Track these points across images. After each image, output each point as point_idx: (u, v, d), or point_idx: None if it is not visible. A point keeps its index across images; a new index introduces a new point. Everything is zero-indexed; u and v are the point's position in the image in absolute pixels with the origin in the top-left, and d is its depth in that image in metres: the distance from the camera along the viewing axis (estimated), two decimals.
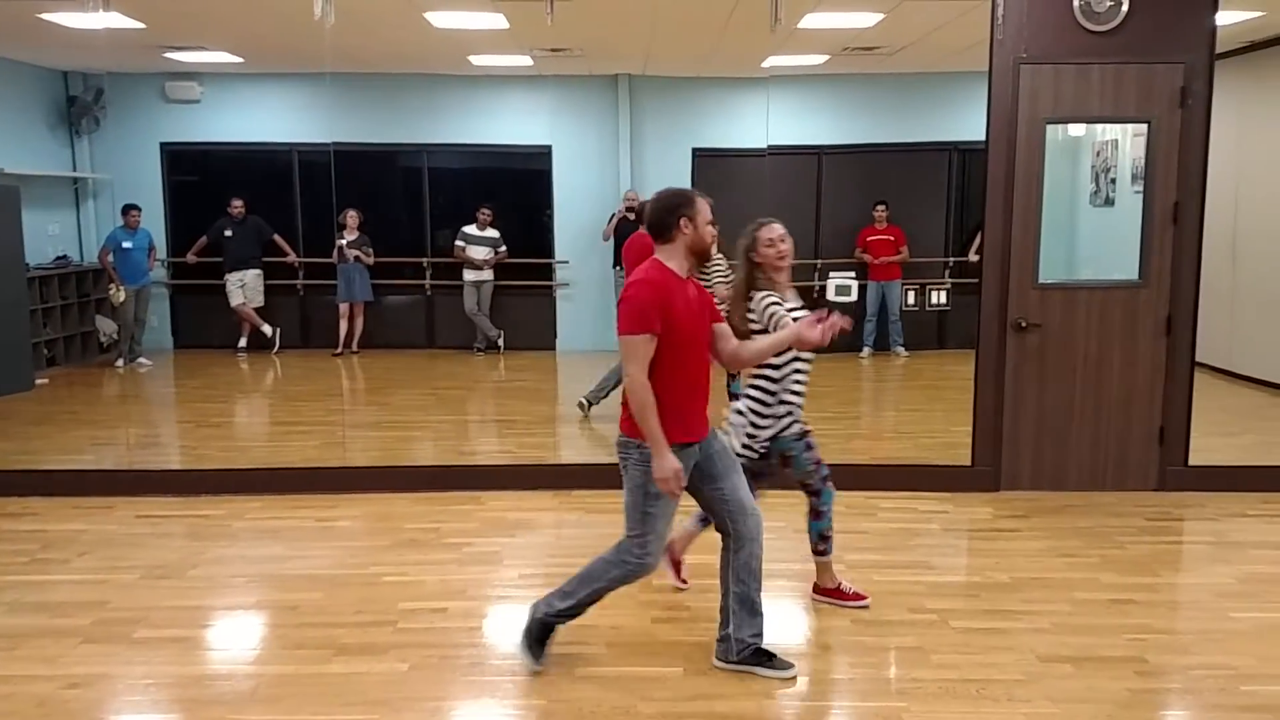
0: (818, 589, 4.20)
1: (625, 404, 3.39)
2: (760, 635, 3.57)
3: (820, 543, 4.14)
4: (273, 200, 10.49)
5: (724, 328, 3.59)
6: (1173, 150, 5.46)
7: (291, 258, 10.31)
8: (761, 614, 3.57)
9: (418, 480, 5.71)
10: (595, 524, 5.20)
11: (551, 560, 4.63)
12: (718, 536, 3.62)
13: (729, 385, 6.41)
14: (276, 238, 10.23)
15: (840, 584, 4.17)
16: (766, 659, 3.54)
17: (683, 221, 3.37)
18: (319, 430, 7.01)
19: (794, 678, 3.50)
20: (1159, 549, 4.88)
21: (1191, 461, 5.64)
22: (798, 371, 3.93)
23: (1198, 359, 5.66)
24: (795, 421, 3.98)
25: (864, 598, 4.13)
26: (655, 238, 3.41)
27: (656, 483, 3.30)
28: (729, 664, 3.56)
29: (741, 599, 3.54)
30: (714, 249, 6.77)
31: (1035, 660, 3.62)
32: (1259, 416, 7.62)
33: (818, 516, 4.13)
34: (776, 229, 3.92)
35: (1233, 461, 5.89)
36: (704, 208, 3.43)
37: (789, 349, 3.74)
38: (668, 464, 3.27)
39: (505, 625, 3.99)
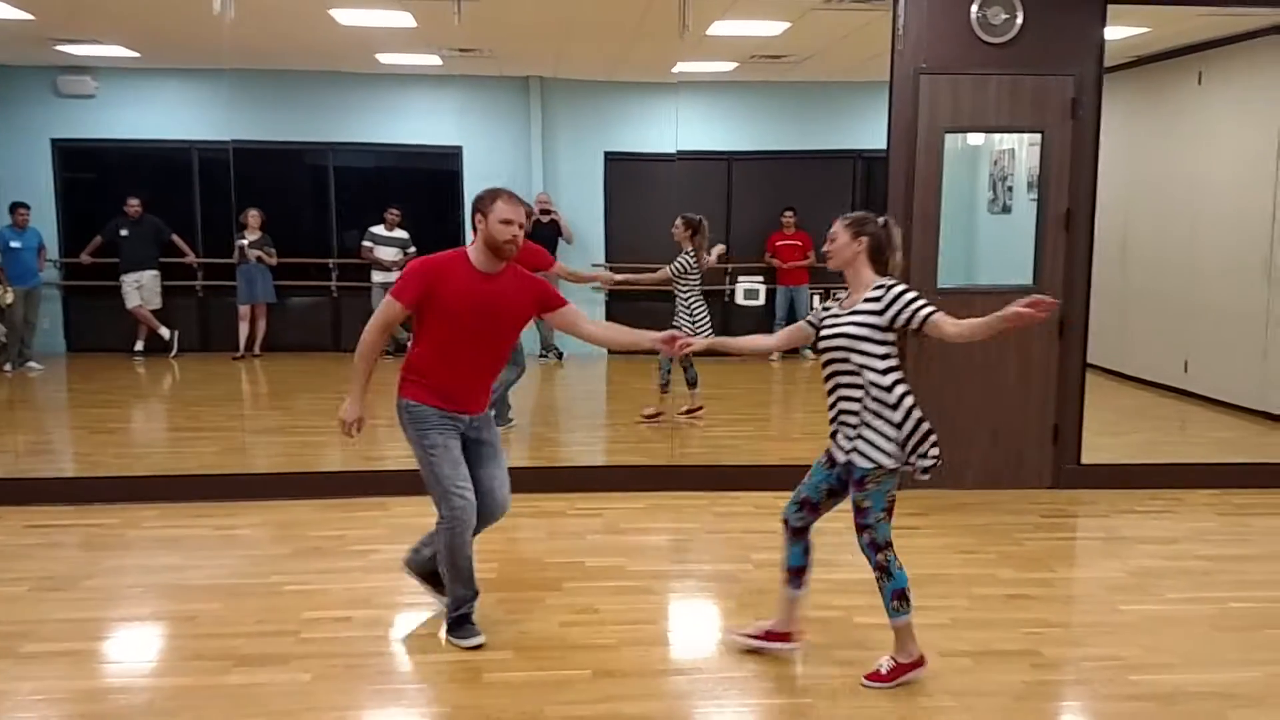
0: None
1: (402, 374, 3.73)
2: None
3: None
4: (171, 199, 10.18)
5: (569, 311, 3.84)
6: (1065, 159, 5.67)
7: (190, 258, 10.02)
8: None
9: (322, 487, 5.60)
10: (505, 528, 5.14)
11: None
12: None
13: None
14: (175, 237, 9.93)
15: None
16: (436, 583, 3.88)
17: (477, 217, 3.64)
18: (219, 436, 6.83)
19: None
20: (1053, 545, 5.06)
21: (1084, 460, 5.86)
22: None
23: (1089, 360, 5.89)
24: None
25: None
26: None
27: (339, 421, 3.74)
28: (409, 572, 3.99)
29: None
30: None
31: (935, 655, 3.70)
32: (1147, 416, 7.95)
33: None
34: None
35: (1123, 459, 6.15)
36: (502, 207, 3.61)
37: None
38: (355, 408, 3.76)
39: (412, 633, 3.95)
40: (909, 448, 3.35)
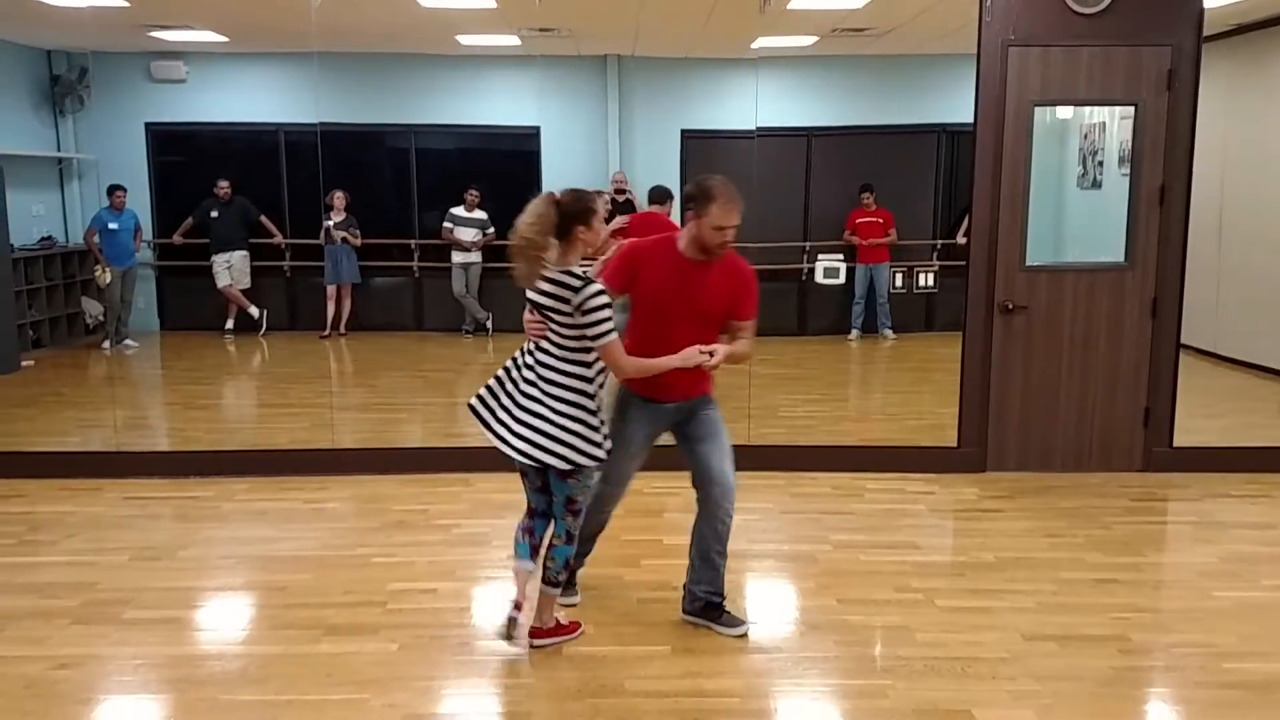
0: (537, 632, 3.60)
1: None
2: (716, 592, 3.72)
3: (564, 572, 3.61)
4: (259, 181, 10.41)
5: (745, 327, 3.67)
6: (1159, 133, 5.48)
7: (278, 239, 10.25)
8: (718, 571, 3.70)
9: (406, 462, 5.72)
10: None
11: None
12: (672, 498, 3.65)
13: None
14: (263, 219, 10.17)
15: (557, 620, 3.67)
16: (716, 614, 3.72)
17: (689, 212, 3.53)
18: (307, 412, 7.00)
19: (744, 634, 3.66)
20: (1143, 529, 4.93)
21: (1176, 442, 5.69)
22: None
23: (1183, 341, 5.70)
24: None
25: (577, 626, 3.70)
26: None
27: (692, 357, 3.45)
28: (685, 615, 3.78)
29: (701, 555, 3.71)
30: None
31: (1019, 639, 3.66)
32: (1242, 398, 7.68)
33: (571, 540, 3.56)
34: None
35: (1216, 443, 5.94)
36: (717, 214, 3.42)
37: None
38: (684, 356, 3.45)
39: (495, 606, 4.02)
40: None
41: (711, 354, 3.47)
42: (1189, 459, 5.67)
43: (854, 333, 9.80)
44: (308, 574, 4.27)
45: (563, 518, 3.51)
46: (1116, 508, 5.15)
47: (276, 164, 10.52)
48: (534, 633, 3.58)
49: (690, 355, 3.45)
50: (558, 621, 3.64)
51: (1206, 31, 5.50)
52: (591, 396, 3.38)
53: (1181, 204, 5.53)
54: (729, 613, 3.74)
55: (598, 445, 3.37)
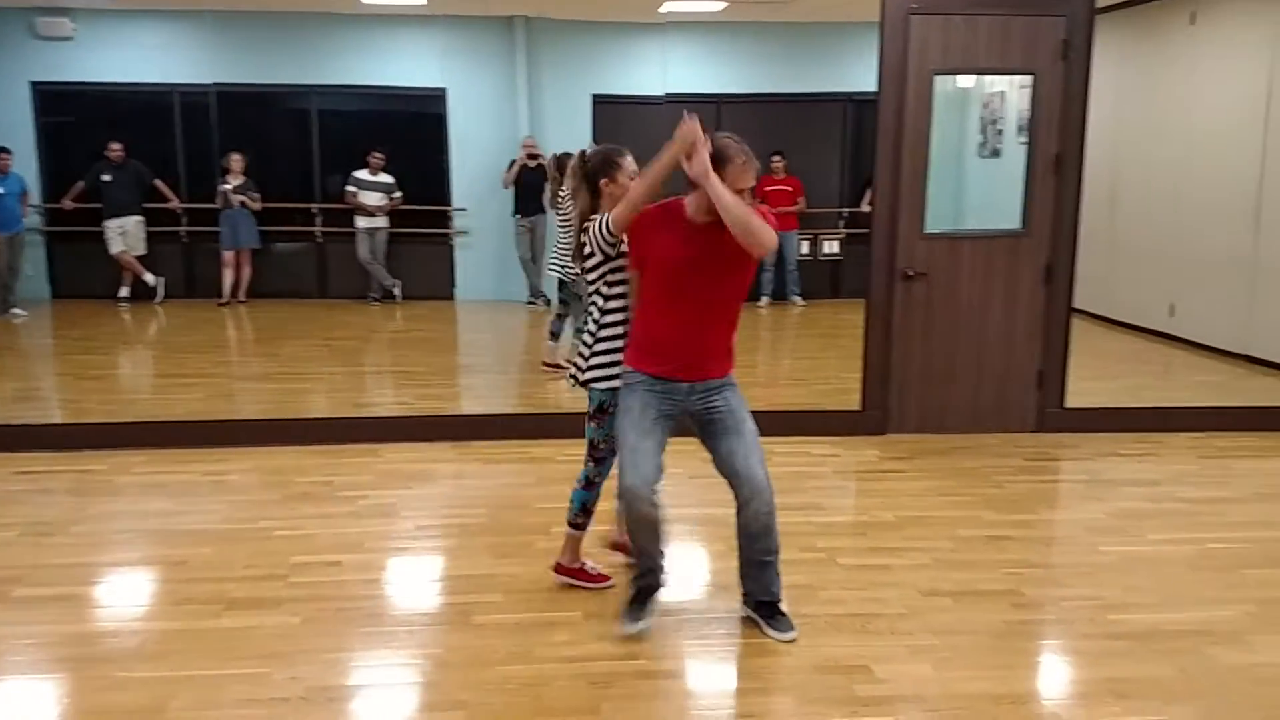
0: (560, 568, 3.81)
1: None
2: (765, 591, 3.52)
3: (581, 515, 3.74)
4: (153, 143, 10.05)
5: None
6: (1055, 102, 5.63)
7: (174, 203, 9.93)
8: (765, 571, 3.50)
9: (311, 433, 5.61)
10: (495, 474, 5.20)
11: (449, 511, 4.62)
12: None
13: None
14: (158, 183, 9.83)
15: (584, 564, 3.83)
16: (767, 613, 3.51)
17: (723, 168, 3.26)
18: (206, 382, 6.83)
19: (792, 639, 3.43)
20: (1036, 487, 5.11)
21: (1068, 404, 5.90)
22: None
23: (1076, 305, 5.90)
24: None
25: (606, 579, 3.81)
26: None
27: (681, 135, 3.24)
28: (744, 608, 3.59)
29: (746, 558, 3.53)
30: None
31: (917, 595, 3.77)
32: (1132, 360, 8.00)
33: (590, 486, 3.72)
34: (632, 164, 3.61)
35: (1107, 403, 6.19)
36: (738, 175, 3.26)
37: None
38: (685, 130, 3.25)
39: (401, 577, 3.99)
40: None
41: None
42: (1080, 419, 5.89)
43: (764, 299, 9.91)
44: (208, 548, 4.17)
45: (584, 461, 3.69)
46: (1011, 467, 5.33)
47: (171, 126, 10.17)
48: (556, 566, 3.82)
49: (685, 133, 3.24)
50: (582, 566, 3.81)
51: (1100, 3, 5.65)
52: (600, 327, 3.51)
53: (1075, 172, 5.70)
54: (783, 615, 3.50)
55: (578, 368, 3.57)
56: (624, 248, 3.43)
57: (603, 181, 3.49)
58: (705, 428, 3.48)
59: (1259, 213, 7.38)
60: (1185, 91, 8.11)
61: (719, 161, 3.23)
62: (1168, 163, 8.25)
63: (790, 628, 3.47)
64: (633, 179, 3.46)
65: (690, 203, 3.33)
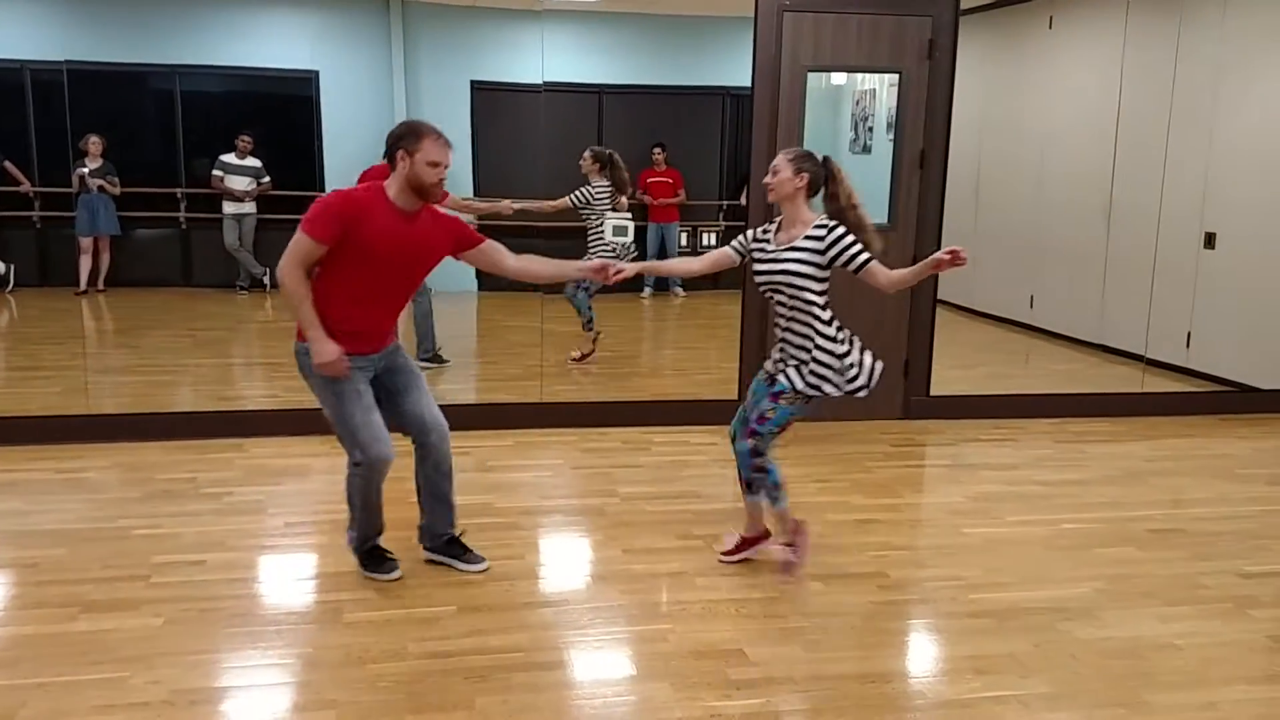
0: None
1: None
2: (453, 526, 3.89)
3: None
4: (2, 123, 9.47)
5: (489, 246, 3.70)
6: (921, 100, 5.81)
7: (25, 186, 9.37)
8: (453, 508, 3.88)
9: (173, 428, 5.40)
10: None
11: (320, 507, 4.51)
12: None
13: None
14: (7, 164, 9.26)
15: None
16: (460, 550, 3.89)
17: (400, 154, 3.43)
18: (61, 375, 6.49)
19: (486, 569, 3.85)
20: (902, 472, 5.29)
21: (933, 391, 6.11)
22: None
23: (940, 297, 6.12)
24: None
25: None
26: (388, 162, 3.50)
27: (319, 368, 3.42)
28: (427, 554, 3.91)
29: (436, 495, 3.84)
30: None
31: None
32: (993, 350, 8.34)
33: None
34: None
35: (969, 391, 6.44)
36: (430, 148, 3.42)
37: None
38: (327, 348, 3.40)
39: (269, 576, 3.88)
40: (850, 374, 3.66)
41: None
42: (944, 407, 6.11)
43: (646, 290, 9.96)
44: (62, 548, 3.98)
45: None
46: (878, 453, 5.50)
47: (22, 104, 9.59)
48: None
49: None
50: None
51: (964, 4, 5.86)
52: None
53: (940, 168, 5.90)
54: (471, 550, 3.90)
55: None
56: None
57: (399, 154, 3.45)
58: (388, 383, 3.69)
59: (1110, 209, 7.77)
60: (1044, 92, 8.48)
61: (416, 136, 3.43)
62: (1028, 160, 8.61)
63: (483, 559, 3.88)
64: (433, 165, 3.45)
65: (393, 186, 3.48)
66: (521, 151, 8.62)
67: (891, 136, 6.02)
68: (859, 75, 7.26)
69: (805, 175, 3.65)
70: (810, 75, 5.72)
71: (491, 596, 3.67)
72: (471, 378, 7.46)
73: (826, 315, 3.67)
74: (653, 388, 7.07)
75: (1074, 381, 7.28)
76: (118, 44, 9.49)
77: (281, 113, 10.48)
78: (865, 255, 3.60)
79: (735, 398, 5.93)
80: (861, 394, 3.71)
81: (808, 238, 3.63)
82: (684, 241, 10.18)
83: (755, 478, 3.77)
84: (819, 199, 3.75)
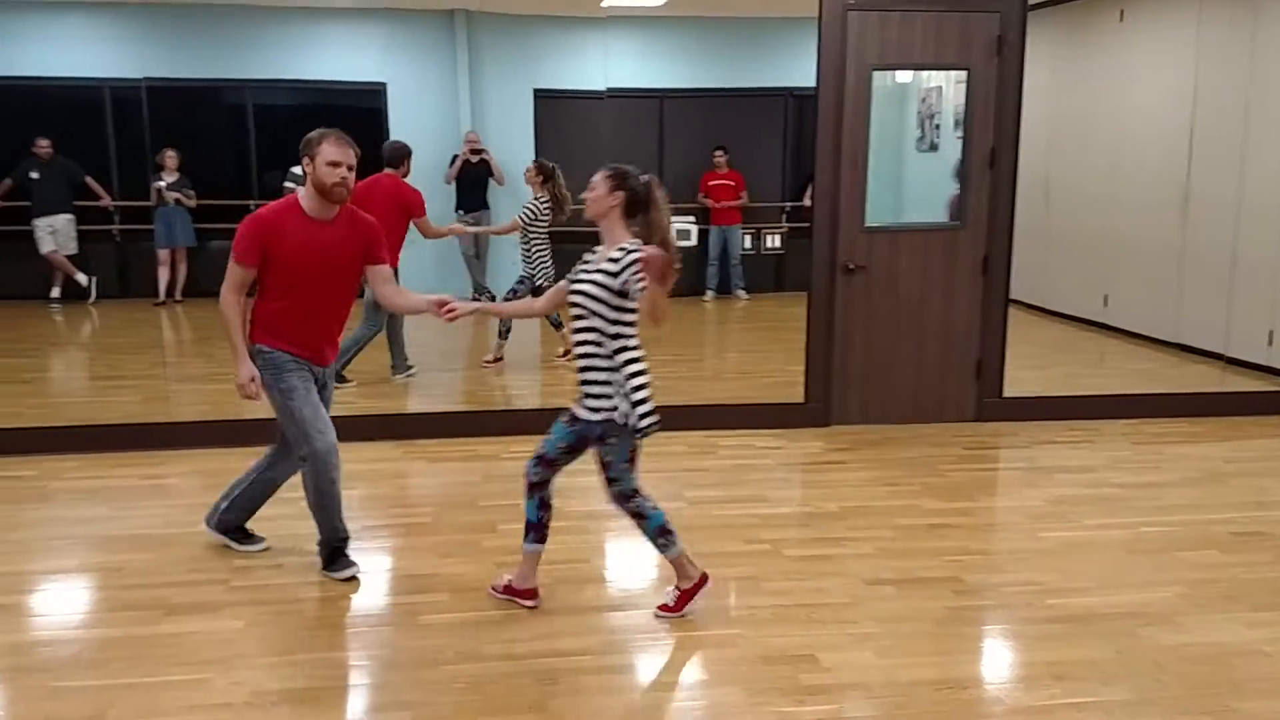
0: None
1: (252, 320, 3.71)
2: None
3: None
4: (84, 140, 9.77)
5: (382, 270, 3.79)
6: (990, 97, 5.72)
7: (106, 201, 9.68)
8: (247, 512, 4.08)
9: (251, 434, 5.49)
10: (440, 473, 5.17)
11: (393, 510, 4.58)
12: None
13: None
14: (89, 180, 9.57)
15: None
16: (241, 537, 4.09)
17: (305, 159, 3.57)
18: (141, 384, 6.68)
19: (264, 549, 4.04)
20: (975, 476, 5.20)
21: (1006, 393, 6.01)
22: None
23: (1012, 296, 6.02)
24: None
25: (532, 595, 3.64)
26: None
27: (237, 386, 3.64)
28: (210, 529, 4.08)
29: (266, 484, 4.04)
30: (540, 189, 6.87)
31: (861, 584, 3.82)
32: (1067, 349, 8.17)
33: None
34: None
35: (1043, 392, 6.31)
36: (328, 149, 3.53)
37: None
38: (244, 369, 3.62)
39: (344, 578, 3.94)
40: (632, 409, 3.31)
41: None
42: (1018, 408, 6.00)
43: (709, 294, 9.95)
44: (147, 553, 4.09)
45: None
46: (951, 456, 5.42)
47: (102, 121, 9.91)
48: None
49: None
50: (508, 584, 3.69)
51: (1032, 0, 5.76)
52: None
53: (1010, 166, 5.80)
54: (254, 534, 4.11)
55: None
56: None
57: (304, 160, 3.58)
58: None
59: (1186, 204, 7.57)
60: (1115, 87, 8.29)
61: (313, 143, 3.55)
62: (1099, 156, 8.43)
63: (263, 539, 4.06)
64: (333, 165, 3.54)
65: (304, 197, 3.61)
66: (584, 158, 8.59)
67: (959, 134, 5.94)
68: (925, 73, 7.18)
69: (620, 194, 3.33)
70: (875, 73, 5.66)
71: (562, 599, 3.69)
72: (536, 383, 7.52)
73: (615, 345, 3.30)
74: (716, 391, 7.05)
75: (1151, 381, 7.10)
76: (193, 61, 9.75)
77: (351, 124, 10.60)
78: (641, 285, 3.20)
79: (802, 400, 5.90)
80: (639, 437, 3.37)
81: (609, 259, 3.30)
82: (747, 244, 10.15)
83: (637, 524, 3.53)
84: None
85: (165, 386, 6.33)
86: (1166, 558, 4.11)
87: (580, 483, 4.99)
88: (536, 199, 7.11)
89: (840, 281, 5.78)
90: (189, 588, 3.77)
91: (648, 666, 3.28)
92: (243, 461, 5.17)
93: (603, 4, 8.74)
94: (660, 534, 3.51)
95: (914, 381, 5.92)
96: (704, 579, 3.58)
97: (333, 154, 3.53)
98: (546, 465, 3.54)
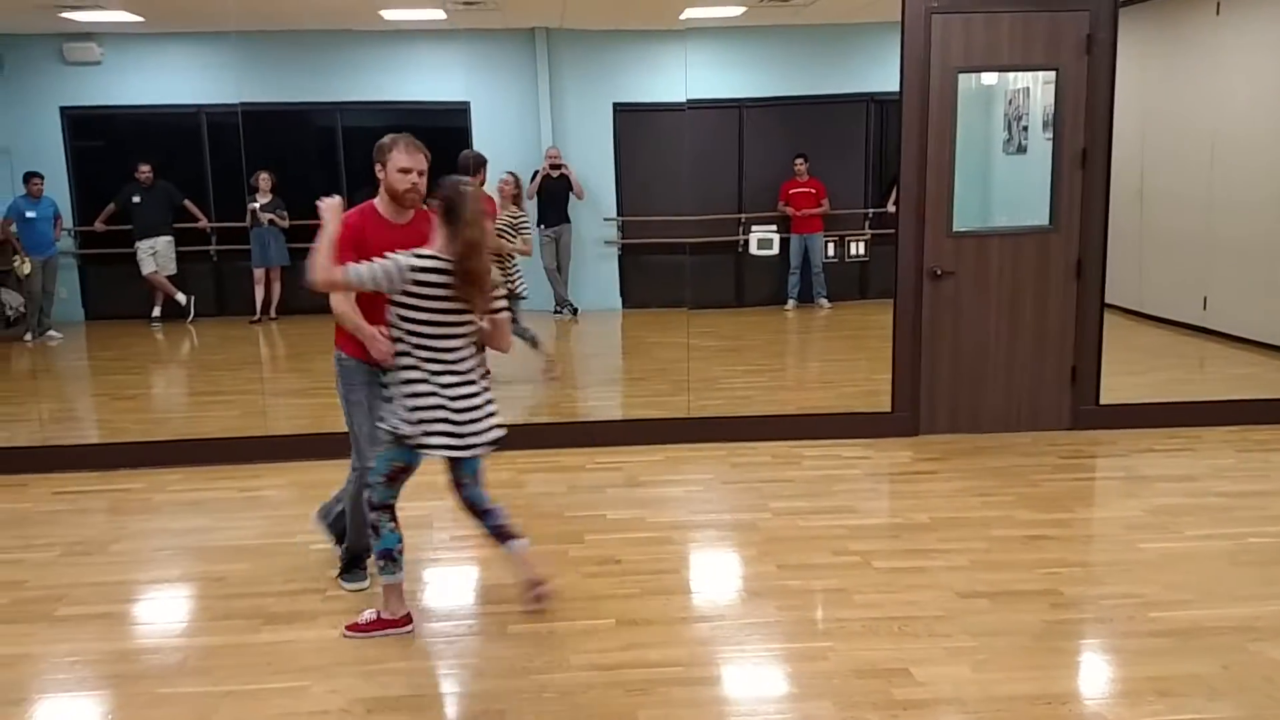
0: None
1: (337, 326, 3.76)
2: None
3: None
4: (182, 164, 10.15)
5: None
6: (1080, 97, 5.59)
7: (203, 223, 10.02)
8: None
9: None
10: (526, 483, 5.22)
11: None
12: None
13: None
14: (187, 203, 9.93)
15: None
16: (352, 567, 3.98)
17: (378, 166, 3.65)
18: (239, 399, 6.88)
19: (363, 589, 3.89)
20: (1072, 485, 5.06)
21: (1102, 400, 5.84)
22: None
23: (1107, 300, 5.85)
24: None
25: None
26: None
27: (379, 358, 3.55)
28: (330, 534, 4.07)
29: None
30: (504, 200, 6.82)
31: (954, 596, 3.74)
32: (1165, 355, 7.91)
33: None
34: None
35: (1141, 399, 6.11)
36: (400, 156, 3.60)
37: None
38: (382, 345, 3.51)
39: (436, 587, 4.01)
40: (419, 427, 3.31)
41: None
42: (1115, 416, 5.83)
43: (790, 303, 9.87)
44: (245, 563, 4.21)
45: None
46: (1045, 465, 5.28)
47: (199, 146, 10.26)
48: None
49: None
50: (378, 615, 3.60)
51: None
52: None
53: (1103, 167, 5.65)
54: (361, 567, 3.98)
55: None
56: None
57: (377, 167, 3.65)
58: (378, 395, 3.71)
59: None
60: (1211, 83, 8.02)
61: (384, 150, 3.64)
62: (1196, 155, 8.16)
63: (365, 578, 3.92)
64: (404, 171, 3.59)
65: (380, 205, 3.69)
66: (664, 170, 8.67)
67: (1049, 135, 5.80)
68: (1011, 74, 7.04)
69: (438, 200, 3.36)
70: (960, 76, 5.57)
71: (649, 611, 3.69)
72: (619, 394, 7.55)
73: (400, 346, 3.34)
74: (800, 401, 7.00)
75: (1255, 386, 6.83)
76: (285, 85, 10.06)
77: (437, 143, 10.82)
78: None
79: (888, 409, 5.82)
80: (432, 454, 3.39)
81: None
82: (830, 252, 10.05)
83: (369, 535, 3.52)
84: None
85: (261, 401, 6.51)
86: (1275, 569, 3.95)
87: (665, 494, 5.01)
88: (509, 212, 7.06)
89: (927, 287, 5.68)
90: (287, 597, 3.87)
91: (737, 679, 3.26)
92: (335, 474, 5.32)
93: (681, 16, 8.77)
94: (384, 557, 3.48)
95: (1006, 389, 5.79)
96: (406, 620, 3.54)
97: (403, 160, 3.60)
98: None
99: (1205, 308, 8.03)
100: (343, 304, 3.66)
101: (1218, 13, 7.92)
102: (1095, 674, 3.32)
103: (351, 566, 3.96)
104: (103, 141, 10.49)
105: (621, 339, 9.89)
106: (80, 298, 10.21)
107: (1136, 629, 3.49)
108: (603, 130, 10.22)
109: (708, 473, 5.33)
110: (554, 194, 9.72)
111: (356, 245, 3.58)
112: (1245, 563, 4.02)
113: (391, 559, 3.48)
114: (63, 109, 10.04)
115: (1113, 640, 3.46)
